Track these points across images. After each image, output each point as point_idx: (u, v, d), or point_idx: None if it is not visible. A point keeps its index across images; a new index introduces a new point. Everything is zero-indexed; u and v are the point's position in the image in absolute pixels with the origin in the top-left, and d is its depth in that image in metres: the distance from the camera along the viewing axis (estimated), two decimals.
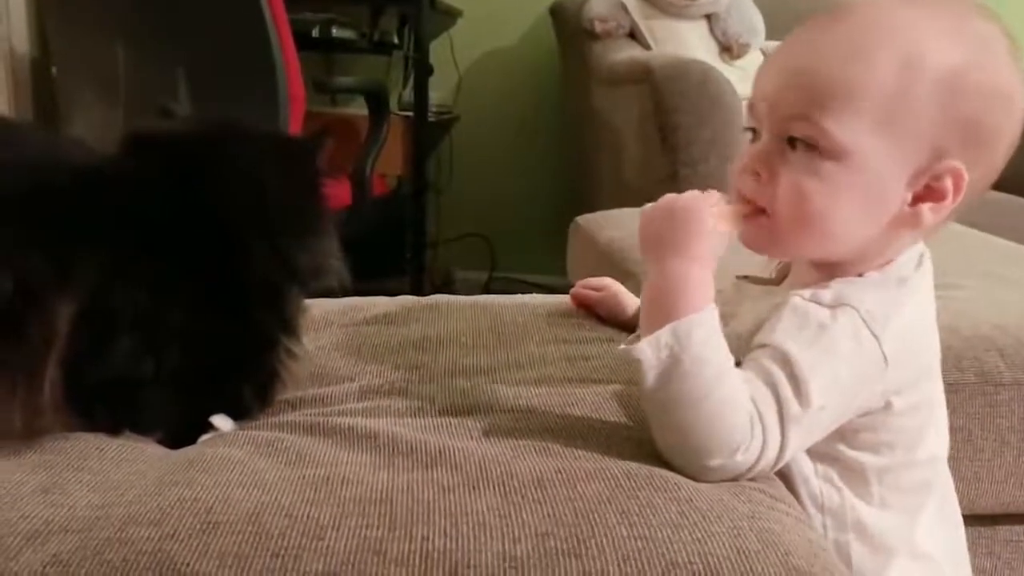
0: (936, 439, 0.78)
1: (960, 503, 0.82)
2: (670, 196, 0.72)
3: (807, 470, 0.74)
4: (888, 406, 0.71)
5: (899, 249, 0.74)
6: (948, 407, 0.78)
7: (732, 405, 0.66)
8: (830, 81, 0.68)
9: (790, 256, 0.79)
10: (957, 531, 0.82)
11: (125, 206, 0.72)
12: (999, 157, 0.71)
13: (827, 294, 0.71)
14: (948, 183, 0.69)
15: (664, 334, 0.66)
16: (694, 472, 0.66)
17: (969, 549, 0.82)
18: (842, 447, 0.73)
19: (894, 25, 0.69)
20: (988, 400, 1.03)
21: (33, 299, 0.67)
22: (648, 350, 0.66)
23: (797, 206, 0.70)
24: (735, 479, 0.67)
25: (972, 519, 0.85)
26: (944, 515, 0.80)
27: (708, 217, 0.70)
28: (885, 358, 0.69)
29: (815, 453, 0.74)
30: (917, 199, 0.70)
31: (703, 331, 0.66)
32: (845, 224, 0.71)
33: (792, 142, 0.70)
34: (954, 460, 0.82)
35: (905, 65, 0.67)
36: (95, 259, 0.69)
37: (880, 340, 0.68)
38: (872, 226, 0.71)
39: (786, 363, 0.67)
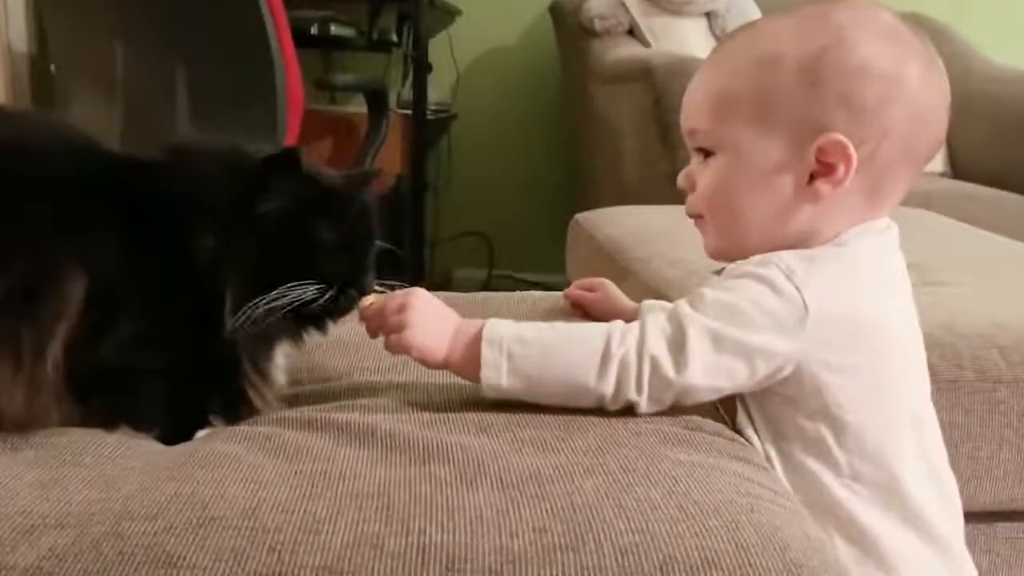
0: (896, 404, 0.78)
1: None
2: (381, 321, 0.79)
3: (772, 454, 0.77)
4: (825, 363, 0.73)
5: (826, 231, 0.78)
6: (946, 404, 0.78)
7: (583, 338, 0.74)
8: (711, 94, 0.81)
9: (737, 256, 0.83)
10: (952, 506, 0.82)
11: (140, 202, 0.73)
12: (897, 121, 0.75)
13: (756, 258, 0.76)
14: (834, 156, 0.75)
15: (484, 354, 0.73)
16: (599, 407, 0.74)
17: (968, 546, 0.81)
18: (800, 419, 0.76)
19: (756, 35, 0.81)
20: (987, 397, 1.02)
21: (47, 279, 0.68)
22: (488, 371, 0.73)
23: (714, 203, 0.81)
24: (638, 403, 0.73)
25: (971, 516, 0.85)
26: (940, 494, 0.80)
27: (412, 315, 0.76)
28: (806, 306, 0.72)
29: (779, 433, 0.76)
30: (813, 177, 0.76)
31: (500, 324, 0.75)
32: (754, 209, 0.79)
33: (702, 152, 0.81)
34: (953, 457, 0.82)
35: (764, 64, 0.77)
36: (107, 246, 0.70)
37: (801, 290, 0.72)
38: (776, 206, 0.78)
39: (696, 296, 0.74)
